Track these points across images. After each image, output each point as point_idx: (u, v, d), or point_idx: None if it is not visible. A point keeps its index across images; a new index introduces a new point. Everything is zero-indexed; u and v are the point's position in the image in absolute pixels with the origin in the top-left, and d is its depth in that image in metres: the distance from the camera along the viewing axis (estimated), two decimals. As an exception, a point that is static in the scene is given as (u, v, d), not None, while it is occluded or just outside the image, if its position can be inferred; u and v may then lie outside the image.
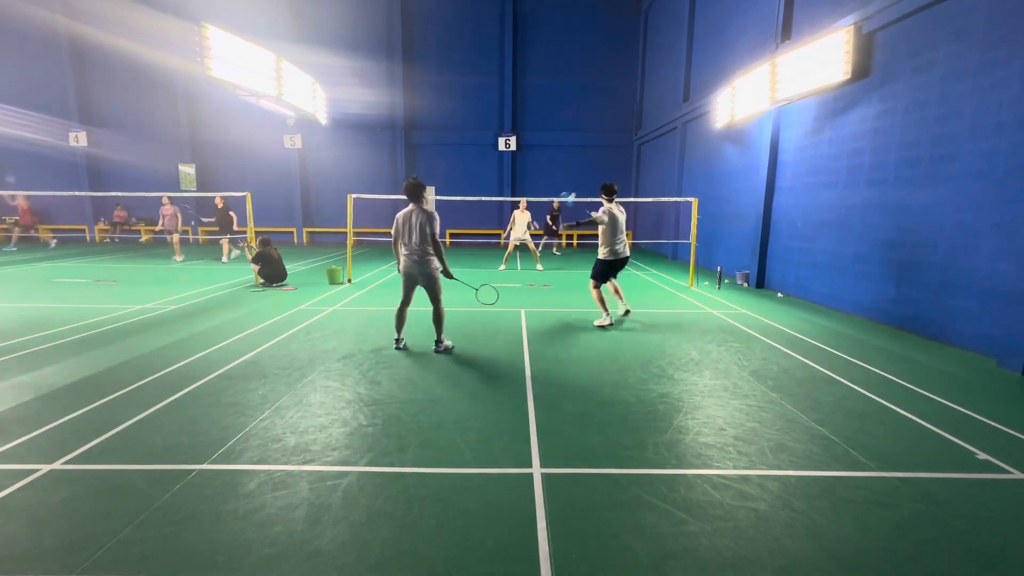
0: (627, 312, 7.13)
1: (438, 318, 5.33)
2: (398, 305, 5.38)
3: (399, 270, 5.26)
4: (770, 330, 6.45)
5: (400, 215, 5.13)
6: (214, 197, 12.75)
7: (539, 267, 12.29)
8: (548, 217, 15.60)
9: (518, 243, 12.07)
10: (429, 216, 5.09)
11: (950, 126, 5.91)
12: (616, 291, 7.14)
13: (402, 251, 5.18)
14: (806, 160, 8.75)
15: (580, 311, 7.35)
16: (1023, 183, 5.03)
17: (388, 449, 3.18)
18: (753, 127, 10.59)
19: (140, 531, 2.36)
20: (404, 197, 5.15)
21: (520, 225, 11.91)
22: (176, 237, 13.23)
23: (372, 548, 2.27)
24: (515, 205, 12.89)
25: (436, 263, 5.22)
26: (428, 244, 5.12)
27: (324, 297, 8.31)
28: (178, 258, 13.25)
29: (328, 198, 19.61)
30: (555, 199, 13.68)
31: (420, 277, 5.19)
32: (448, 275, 5.41)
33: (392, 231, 5.18)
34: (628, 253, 6.65)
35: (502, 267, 12.34)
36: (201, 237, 19.46)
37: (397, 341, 5.42)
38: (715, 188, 12.59)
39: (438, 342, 5.36)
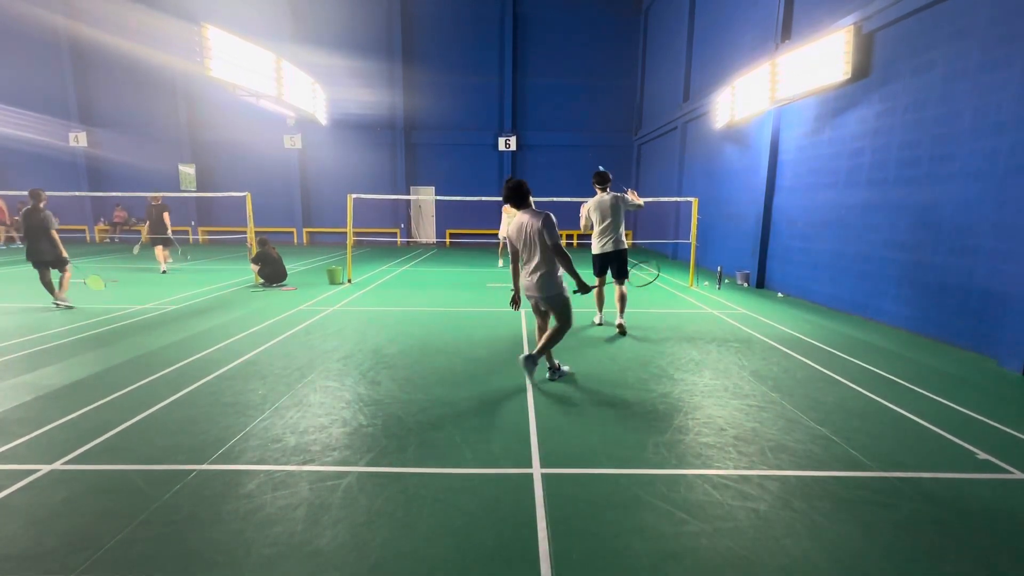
0: (620, 328, 6.14)
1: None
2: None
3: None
4: (770, 330, 6.45)
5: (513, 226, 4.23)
6: (152, 198, 10.62)
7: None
8: None
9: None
10: (545, 220, 4.05)
11: (950, 126, 5.91)
12: (620, 298, 6.25)
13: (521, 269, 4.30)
14: (806, 160, 8.75)
15: (580, 311, 7.34)
16: (1023, 183, 5.03)
17: (388, 449, 3.18)
18: (753, 127, 10.59)
19: (140, 531, 2.36)
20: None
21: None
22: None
23: (372, 548, 2.27)
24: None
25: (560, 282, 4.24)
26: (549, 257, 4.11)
27: (324, 297, 8.31)
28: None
29: (328, 198, 19.62)
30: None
31: (543, 301, 4.28)
32: (585, 289, 4.23)
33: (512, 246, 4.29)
34: (612, 248, 6.05)
35: (500, 263, 13.23)
36: (202, 237, 19.47)
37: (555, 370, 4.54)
38: (715, 188, 12.59)
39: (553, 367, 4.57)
